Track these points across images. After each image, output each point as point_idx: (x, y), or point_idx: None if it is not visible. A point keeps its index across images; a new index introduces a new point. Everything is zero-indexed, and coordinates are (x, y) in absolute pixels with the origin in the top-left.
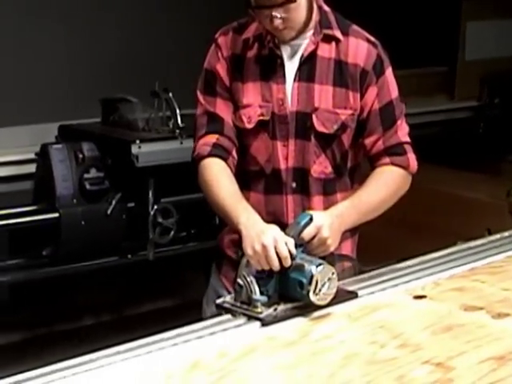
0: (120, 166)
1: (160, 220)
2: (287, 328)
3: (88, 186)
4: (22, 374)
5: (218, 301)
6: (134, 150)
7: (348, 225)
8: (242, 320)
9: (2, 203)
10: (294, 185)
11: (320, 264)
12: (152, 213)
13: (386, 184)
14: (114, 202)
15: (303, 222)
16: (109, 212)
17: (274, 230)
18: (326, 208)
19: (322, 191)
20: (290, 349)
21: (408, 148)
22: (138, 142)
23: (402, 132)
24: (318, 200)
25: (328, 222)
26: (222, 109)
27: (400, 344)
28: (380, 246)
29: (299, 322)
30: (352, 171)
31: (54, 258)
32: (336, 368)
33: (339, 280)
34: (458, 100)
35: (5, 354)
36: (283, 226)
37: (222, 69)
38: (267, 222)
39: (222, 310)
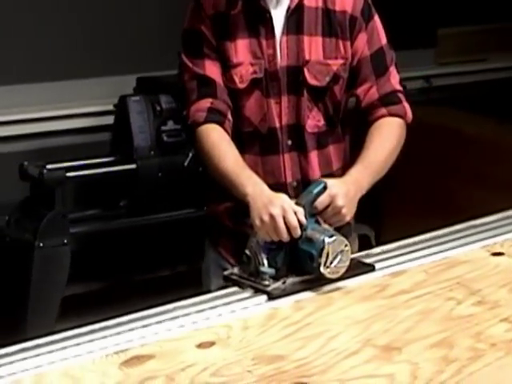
0: None
1: None
2: (363, 283)
3: (165, 138)
4: (99, 323)
5: (226, 272)
6: None
7: (364, 189)
8: (248, 293)
9: (80, 154)
10: (289, 142)
11: (332, 235)
12: None
13: (388, 138)
14: (190, 155)
15: (316, 191)
16: (185, 164)
17: (283, 199)
18: (320, 161)
19: (317, 145)
20: (366, 303)
21: (402, 97)
22: None
23: (395, 80)
24: (313, 154)
25: (343, 190)
26: (212, 70)
27: (477, 301)
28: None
29: (375, 277)
30: (343, 121)
31: (130, 209)
32: (412, 323)
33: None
34: None
35: (82, 303)
36: (282, 186)
37: (206, 28)
38: (267, 182)
39: (229, 281)
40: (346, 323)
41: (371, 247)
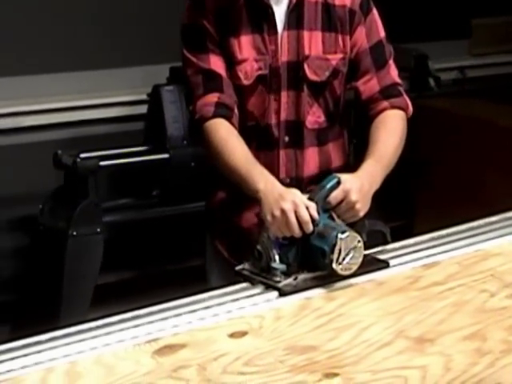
0: None
1: None
2: (396, 274)
3: None
4: (132, 311)
5: (237, 268)
6: None
7: (378, 183)
8: (259, 289)
9: (114, 143)
10: (286, 139)
11: (344, 231)
12: None
13: (394, 131)
14: None
15: (329, 185)
16: None
17: (295, 193)
18: (320, 159)
19: (316, 142)
20: (399, 295)
21: (402, 89)
22: None
23: (395, 72)
24: (311, 152)
25: (357, 185)
26: (217, 65)
27: (511, 293)
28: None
29: (408, 269)
30: (342, 118)
31: (162, 198)
32: (445, 315)
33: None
34: None
35: (114, 292)
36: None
37: (209, 23)
38: None
39: (241, 277)
40: (378, 314)
41: (387, 243)
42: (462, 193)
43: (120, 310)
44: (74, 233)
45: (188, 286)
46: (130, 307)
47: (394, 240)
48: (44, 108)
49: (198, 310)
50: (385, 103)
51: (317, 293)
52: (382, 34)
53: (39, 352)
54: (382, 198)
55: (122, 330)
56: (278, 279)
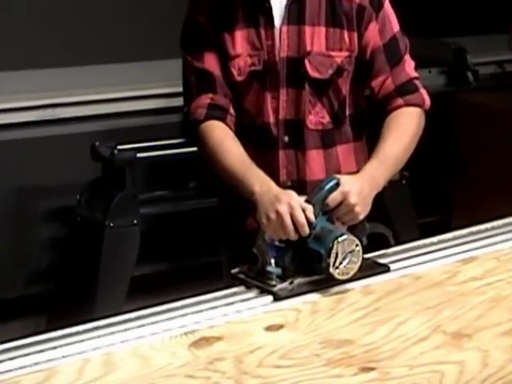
0: None
1: None
2: (433, 269)
3: None
4: (167, 304)
5: (234, 271)
6: None
7: (380, 186)
8: (253, 293)
9: (151, 135)
10: (286, 139)
11: (342, 234)
12: None
13: (406, 129)
14: None
15: (327, 187)
16: None
17: (291, 195)
18: (326, 163)
19: (321, 144)
20: (436, 289)
21: (418, 83)
22: None
23: (410, 67)
24: (316, 154)
25: (357, 187)
26: (212, 63)
27: None
28: None
29: (446, 264)
30: (353, 120)
31: (199, 190)
32: (483, 311)
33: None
34: None
35: (150, 283)
36: (277, 184)
37: (205, 18)
38: None
39: (236, 280)
40: (415, 309)
41: (390, 246)
42: (500, 187)
43: (156, 302)
44: (111, 224)
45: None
46: (165, 299)
47: (433, 234)
48: (82, 100)
49: (235, 302)
50: (399, 101)
51: (355, 286)
52: (396, 28)
53: (76, 343)
54: (420, 193)
55: (158, 322)
56: (273, 283)
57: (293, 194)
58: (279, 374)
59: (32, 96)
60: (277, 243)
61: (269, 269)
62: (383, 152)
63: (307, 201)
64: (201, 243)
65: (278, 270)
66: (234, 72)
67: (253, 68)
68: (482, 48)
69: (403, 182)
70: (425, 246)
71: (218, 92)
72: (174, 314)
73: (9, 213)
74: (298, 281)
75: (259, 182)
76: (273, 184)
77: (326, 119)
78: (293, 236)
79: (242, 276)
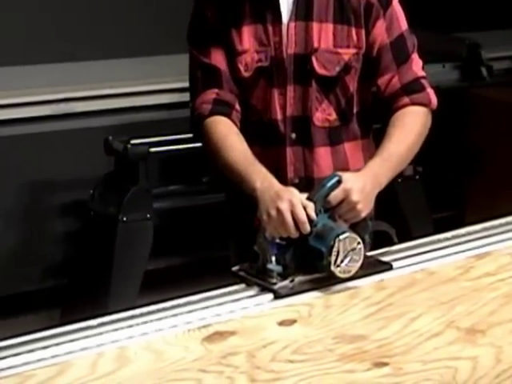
0: None
1: None
2: (447, 264)
3: None
4: (180, 298)
5: (234, 268)
6: None
7: (383, 184)
8: (253, 291)
9: (164, 130)
10: (293, 136)
11: (343, 232)
12: None
13: (411, 128)
14: None
15: (329, 184)
16: None
17: (292, 192)
18: (333, 161)
19: (328, 141)
20: (450, 285)
21: (425, 83)
22: None
23: (417, 66)
24: (324, 151)
25: (359, 184)
26: (218, 58)
27: None
28: None
29: (459, 259)
30: (360, 117)
31: (212, 185)
32: (496, 306)
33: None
34: None
35: (164, 277)
36: (283, 182)
37: (211, 13)
38: None
39: (237, 278)
40: (428, 304)
41: (393, 244)
42: None
43: (169, 297)
44: (124, 218)
45: None
46: (178, 293)
47: (446, 230)
48: (96, 94)
49: (249, 297)
50: (405, 99)
51: (367, 281)
52: (404, 26)
53: (90, 337)
54: (433, 188)
55: (171, 316)
56: (273, 281)
57: (294, 191)
58: (292, 368)
59: (46, 90)
60: (278, 241)
61: (269, 266)
62: (387, 150)
63: (309, 198)
64: (214, 238)
65: (279, 268)
66: (241, 68)
67: (260, 64)
68: (496, 43)
69: (417, 177)
70: (438, 241)
71: (223, 87)
72: (187, 309)
73: (22, 207)
74: (298, 279)
75: (261, 178)
76: (274, 181)
77: (333, 116)
78: (293, 234)
79: (242, 274)
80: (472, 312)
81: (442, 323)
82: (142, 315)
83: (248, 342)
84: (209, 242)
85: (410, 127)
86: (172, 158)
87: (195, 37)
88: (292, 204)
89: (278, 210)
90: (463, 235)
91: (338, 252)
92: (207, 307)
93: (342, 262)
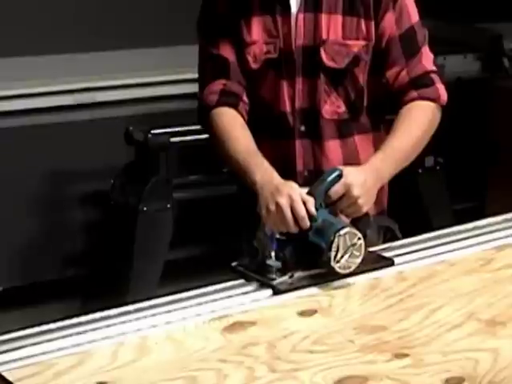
0: None
1: None
2: (468, 256)
3: None
4: (200, 288)
5: (233, 263)
6: None
7: (385, 179)
8: (252, 286)
9: (185, 120)
10: (302, 128)
11: (343, 227)
12: None
13: (417, 123)
14: None
15: (330, 179)
16: None
17: (292, 187)
18: (343, 154)
19: (338, 134)
20: (471, 276)
21: (435, 77)
22: None
23: (427, 60)
24: (333, 144)
25: (359, 180)
26: (226, 49)
27: None
28: None
29: (480, 251)
30: (371, 110)
31: (232, 175)
32: None
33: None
34: None
35: (183, 267)
36: (292, 175)
37: (221, 4)
38: (278, 168)
39: (236, 273)
40: (449, 296)
41: (396, 239)
42: None
43: (189, 287)
44: (145, 208)
45: None
46: (198, 284)
47: (467, 221)
48: (117, 84)
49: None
50: (413, 93)
51: (389, 272)
52: (415, 19)
53: (110, 326)
54: (454, 179)
55: (191, 306)
56: (273, 276)
57: (294, 185)
58: (312, 359)
59: (68, 80)
60: (277, 236)
61: (268, 262)
62: (391, 145)
63: (309, 193)
64: (234, 227)
65: (278, 264)
66: (250, 59)
67: (268, 56)
68: None
69: (438, 168)
70: (459, 232)
71: (231, 78)
72: (207, 299)
73: (44, 197)
74: (298, 274)
75: (261, 171)
76: (275, 174)
77: (342, 109)
78: (293, 229)
79: (241, 269)
80: (492, 304)
81: (462, 315)
82: (161, 305)
83: (268, 333)
84: (228, 232)
85: (416, 122)
86: (192, 148)
87: (205, 27)
88: (291, 199)
89: (278, 205)
90: (484, 226)
91: (338, 247)
92: (229, 297)
93: (341, 257)
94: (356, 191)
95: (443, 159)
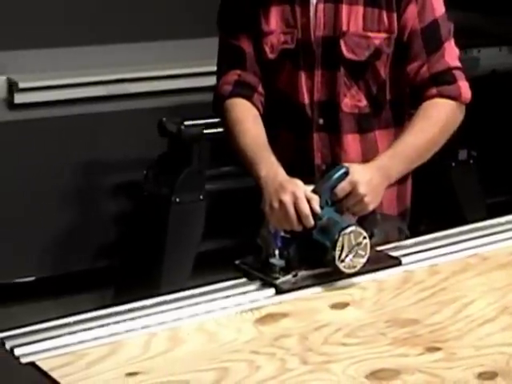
0: None
1: None
2: (500, 249)
3: None
4: (232, 280)
5: (237, 261)
6: None
7: (393, 177)
8: (255, 285)
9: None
10: (321, 121)
11: (348, 226)
12: None
13: (434, 121)
14: None
15: (336, 176)
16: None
17: (296, 184)
18: (362, 148)
19: (357, 128)
20: (504, 270)
21: (458, 74)
22: None
23: (451, 56)
24: (352, 138)
25: (366, 177)
26: (244, 40)
27: None
28: None
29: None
30: (394, 105)
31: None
32: None
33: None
34: None
35: (215, 259)
36: (310, 168)
37: None
38: (296, 161)
39: (239, 271)
40: (482, 290)
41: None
42: None
43: (221, 278)
44: (177, 200)
45: None
46: (229, 275)
47: (500, 215)
48: (150, 75)
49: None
50: (433, 90)
51: (420, 265)
52: (439, 12)
53: (142, 317)
54: (488, 173)
55: (224, 297)
56: (276, 275)
57: (298, 182)
58: (344, 351)
59: (101, 71)
60: (282, 234)
61: (272, 261)
62: (404, 142)
63: (314, 190)
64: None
65: (282, 262)
66: (267, 49)
67: (285, 46)
68: None
69: (471, 161)
70: (492, 226)
71: (247, 69)
72: (239, 290)
73: (77, 187)
74: (301, 273)
75: (267, 166)
76: (281, 170)
77: (363, 103)
78: (296, 227)
79: (245, 267)
80: None
81: (495, 309)
82: (194, 296)
83: (300, 325)
84: (260, 223)
85: (434, 120)
86: (225, 140)
87: (224, 18)
88: (295, 196)
89: (281, 203)
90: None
91: (343, 246)
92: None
93: (346, 256)
94: (362, 189)
95: (477, 152)
